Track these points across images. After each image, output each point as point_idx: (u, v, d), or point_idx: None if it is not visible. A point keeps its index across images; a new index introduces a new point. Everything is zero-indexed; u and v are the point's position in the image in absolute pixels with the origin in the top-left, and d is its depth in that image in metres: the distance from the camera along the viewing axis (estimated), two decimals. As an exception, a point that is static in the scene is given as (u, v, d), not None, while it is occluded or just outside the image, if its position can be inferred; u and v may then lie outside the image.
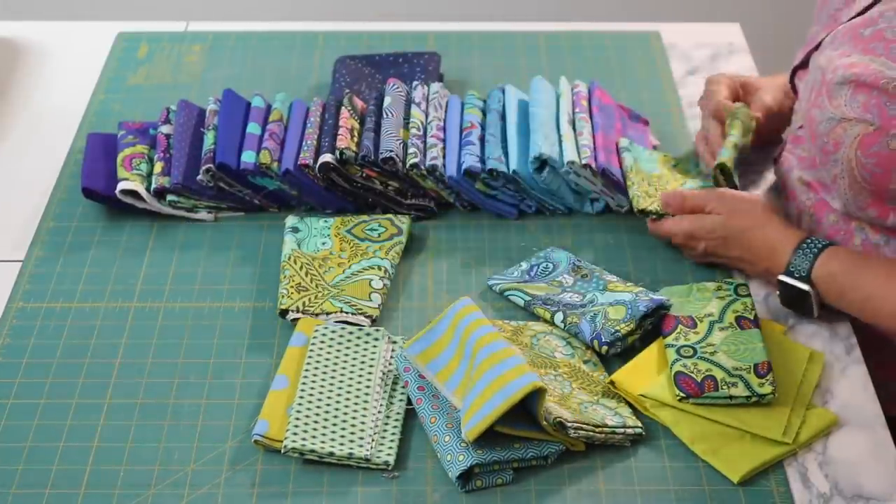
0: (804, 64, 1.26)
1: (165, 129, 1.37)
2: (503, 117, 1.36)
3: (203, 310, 1.21)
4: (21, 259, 1.28)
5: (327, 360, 1.11)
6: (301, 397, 1.07)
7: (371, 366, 1.11)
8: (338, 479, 1.04)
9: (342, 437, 1.05)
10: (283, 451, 1.03)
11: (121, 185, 1.29)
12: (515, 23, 1.69)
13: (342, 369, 1.10)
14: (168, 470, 1.05)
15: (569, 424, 1.03)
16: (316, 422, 1.05)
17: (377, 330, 1.14)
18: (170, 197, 1.30)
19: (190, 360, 1.16)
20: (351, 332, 1.14)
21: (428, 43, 1.63)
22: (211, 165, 1.29)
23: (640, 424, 1.07)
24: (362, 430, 1.05)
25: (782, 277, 1.17)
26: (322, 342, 1.12)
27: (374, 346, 1.13)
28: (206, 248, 1.29)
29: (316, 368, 1.09)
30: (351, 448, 1.04)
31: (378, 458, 1.04)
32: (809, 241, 1.17)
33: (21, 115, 1.50)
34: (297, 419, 1.05)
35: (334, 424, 1.06)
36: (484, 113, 1.38)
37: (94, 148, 1.36)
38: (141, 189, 1.29)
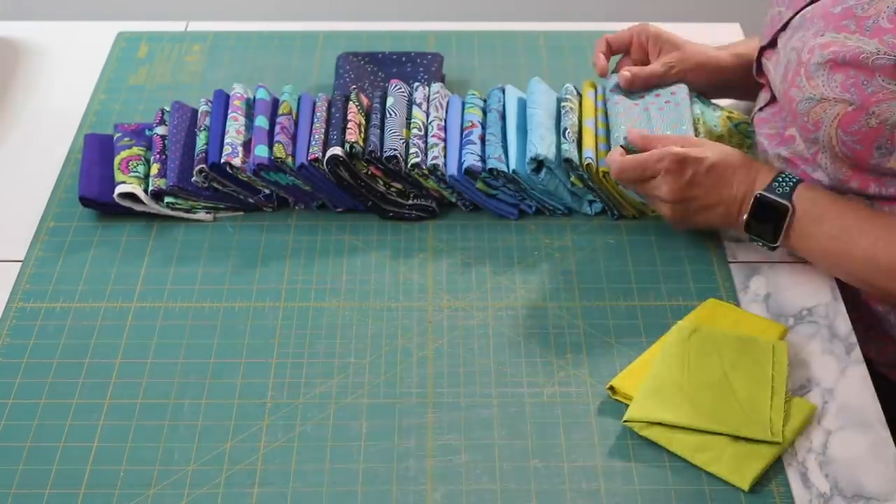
0: (771, 44, 1.28)
1: (161, 130, 1.37)
2: (503, 117, 1.36)
3: (203, 310, 1.21)
4: (21, 259, 1.28)
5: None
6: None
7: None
8: (338, 478, 1.04)
9: None
10: None
11: (119, 189, 1.29)
12: (515, 23, 1.69)
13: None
14: (168, 470, 1.05)
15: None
16: None
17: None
18: (167, 198, 1.30)
19: (190, 360, 1.16)
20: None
21: (428, 43, 1.63)
22: (204, 166, 1.29)
23: None
24: None
25: (762, 192, 1.17)
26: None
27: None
28: (205, 248, 1.29)
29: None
30: None
31: None
32: (790, 173, 1.20)
33: (21, 115, 1.50)
34: None
35: None
36: (484, 112, 1.38)
37: (91, 152, 1.36)
38: (139, 191, 1.29)
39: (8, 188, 1.38)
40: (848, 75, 1.11)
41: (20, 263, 1.27)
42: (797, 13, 1.22)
